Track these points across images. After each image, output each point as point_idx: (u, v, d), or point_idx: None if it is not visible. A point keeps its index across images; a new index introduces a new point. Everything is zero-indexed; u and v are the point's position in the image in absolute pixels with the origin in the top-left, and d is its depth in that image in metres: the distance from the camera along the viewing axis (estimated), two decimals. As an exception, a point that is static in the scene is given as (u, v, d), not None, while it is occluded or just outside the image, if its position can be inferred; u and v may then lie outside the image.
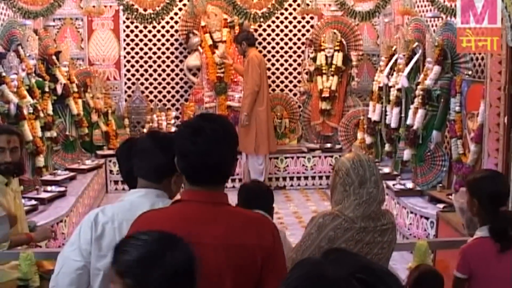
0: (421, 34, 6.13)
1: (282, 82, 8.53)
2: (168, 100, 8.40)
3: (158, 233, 1.60)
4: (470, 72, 5.38)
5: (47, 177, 6.22)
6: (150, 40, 8.26)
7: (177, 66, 8.34)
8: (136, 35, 8.25)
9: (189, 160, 1.92)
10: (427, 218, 5.13)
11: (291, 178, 7.99)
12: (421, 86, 5.72)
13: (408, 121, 5.95)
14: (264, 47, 8.42)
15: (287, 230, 5.71)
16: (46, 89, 6.51)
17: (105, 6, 7.29)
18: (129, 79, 8.33)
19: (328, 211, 2.44)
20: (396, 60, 6.55)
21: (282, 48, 8.47)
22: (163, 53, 8.29)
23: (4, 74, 5.52)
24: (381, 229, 2.41)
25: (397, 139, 6.50)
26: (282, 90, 8.51)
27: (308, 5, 6.78)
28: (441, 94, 5.53)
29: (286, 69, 8.51)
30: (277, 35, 8.44)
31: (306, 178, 8.01)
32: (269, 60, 8.41)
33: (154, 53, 8.28)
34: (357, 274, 1.06)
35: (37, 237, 3.52)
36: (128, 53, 8.26)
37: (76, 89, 7.22)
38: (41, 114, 6.17)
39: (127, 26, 8.22)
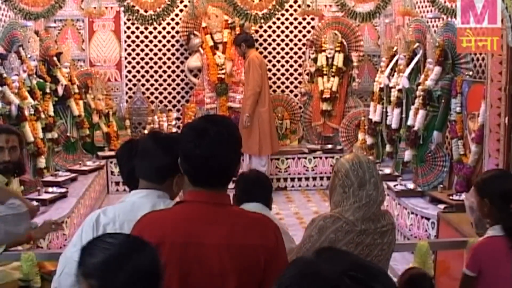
0: (421, 34, 6.14)
1: (283, 83, 8.54)
2: (169, 101, 8.41)
3: (124, 236, 1.65)
4: (471, 73, 5.38)
5: (48, 178, 6.22)
6: (151, 41, 8.27)
7: (178, 67, 8.34)
8: (137, 36, 8.26)
9: (193, 162, 1.92)
10: (428, 219, 5.12)
11: (292, 179, 7.99)
12: (422, 87, 5.73)
13: (409, 122, 5.95)
14: (265, 48, 8.43)
15: (287, 231, 5.70)
16: (47, 90, 6.52)
17: (106, 8, 7.30)
18: (130, 80, 8.33)
19: (328, 214, 2.43)
20: (397, 60, 6.55)
21: (283, 49, 8.47)
22: (164, 54, 8.30)
23: (5, 75, 5.53)
24: (381, 231, 2.41)
25: (398, 140, 6.50)
26: (283, 91, 8.52)
27: (308, 6, 6.78)
28: (442, 95, 5.53)
29: (287, 70, 8.51)
30: (278, 36, 8.44)
31: (307, 179, 8.01)
32: (270, 61, 8.42)
33: (155, 54, 8.29)
34: (349, 272, 1.07)
35: (36, 235, 3.45)
36: (129, 54, 8.27)
37: (77, 90, 7.23)
38: (42, 115, 6.18)
39: (128, 27, 8.23)
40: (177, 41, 8.28)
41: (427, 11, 6.64)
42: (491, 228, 2.76)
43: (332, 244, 2.34)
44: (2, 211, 2.52)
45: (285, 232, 2.93)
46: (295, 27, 8.44)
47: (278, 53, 8.47)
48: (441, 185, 5.53)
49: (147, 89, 8.35)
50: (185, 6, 7.82)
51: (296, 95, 8.50)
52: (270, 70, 8.34)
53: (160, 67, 8.32)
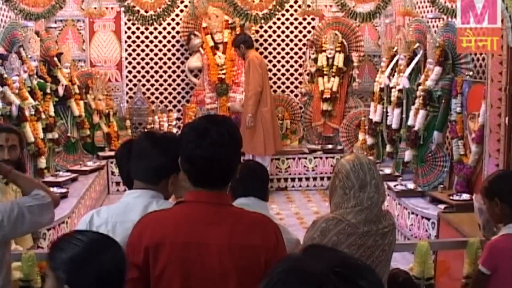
0: (422, 35, 6.14)
1: (283, 83, 8.54)
2: (170, 102, 8.41)
3: (94, 234, 1.77)
4: (471, 73, 5.39)
5: (49, 178, 6.22)
6: (151, 42, 8.27)
7: (178, 67, 8.35)
8: (138, 37, 8.27)
9: (194, 163, 1.93)
10: (428, 219, 5.13)
11: (293, 179, 7.99)
12: (422, 87, 5.73)
13: (409, 122, 5.95)
14: (265, 48, 8.43)
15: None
16: (48, 91, 6.53)
17: (107, 8, 7.31)
18: (130, 81, 8.34)
19: (330, 216, 2.41)
20: (397, 61, 6.56)
21: (283, 49, 8.47)
22: (165, 54, 8.31)
23: (6, 75, 5.54)
24: (382, 232, 2.40)
25: (398, 140, 6.50)
26: (283, 91, 8.52)
27: (309, 6, 6.79)
28: (442, 95, 5.53)
29: (287, 70, 8.52)
30: (278, 36, 8.44)
31: (307, 179, 8.01)
32: (270, 61, 8.42)
33: (156, 54, 8.29)
34: (335, 269, 1.08)
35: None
36: (129, 54, 8.28)
37: (77, 91, 7.24)
38: (43, 116, 6.19)
39: (129, 28, 8.23)
40: (178, 41, 8.28)
41: (427, 11, 6.64)
42: (507, 226, 2.76)
43: (334, 247, 2.33)
44: (29, 202, 2.55)
45: (283, 228, 2.92)
46: (296, 27, 8.44)
47: (278, 53, 8.47)
48: (442, 185, 5.53)
49: (148, 89, 8.36)
50: (186, 6, 7.82)
51: (296, 95, 8.50)
52: (270, 70, 8.34)
53: (160, 67, 8.33)
